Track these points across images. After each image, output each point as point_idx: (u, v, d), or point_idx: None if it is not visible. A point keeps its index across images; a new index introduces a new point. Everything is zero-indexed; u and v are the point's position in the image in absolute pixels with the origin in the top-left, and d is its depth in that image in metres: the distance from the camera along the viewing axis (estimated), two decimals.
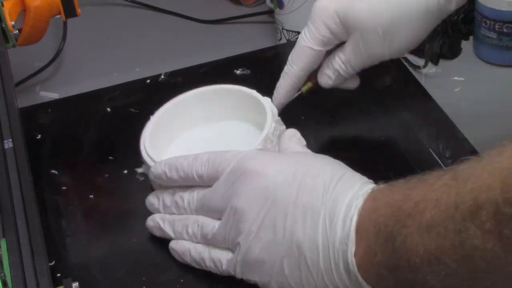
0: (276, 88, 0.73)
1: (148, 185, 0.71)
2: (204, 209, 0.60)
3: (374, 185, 0.55)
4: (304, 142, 0.66)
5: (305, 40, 0.70)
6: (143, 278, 0.62)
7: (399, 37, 0.68)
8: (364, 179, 0.57)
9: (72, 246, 0.66)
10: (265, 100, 0.70)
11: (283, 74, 0.72)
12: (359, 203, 0.53)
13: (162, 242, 0.65)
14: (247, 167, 0.57)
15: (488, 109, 0.84)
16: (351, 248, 0.52)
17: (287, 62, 0.72)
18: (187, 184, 0.62)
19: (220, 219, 0.59)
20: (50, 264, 0.59)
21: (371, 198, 0.53)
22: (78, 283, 0.51)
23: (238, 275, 0.58)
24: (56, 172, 0.73)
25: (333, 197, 0.54)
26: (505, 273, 0.45)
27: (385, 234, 0.50)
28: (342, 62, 0.71)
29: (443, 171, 0.50)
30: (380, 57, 0.70)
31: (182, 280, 0.62)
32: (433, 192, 0.48)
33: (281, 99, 0.73)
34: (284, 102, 0.73)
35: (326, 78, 0.72)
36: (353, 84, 0.74)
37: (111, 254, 0.65)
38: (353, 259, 0.52)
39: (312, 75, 0.73)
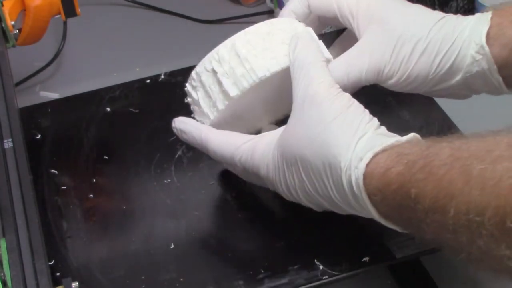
0: None
1: (147, 185, 0.71)
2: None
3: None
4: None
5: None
6: (143, 278, 0.62)
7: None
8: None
9: (72, 246, 0.66)
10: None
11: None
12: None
13: (162, 242, 0.65)
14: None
15: (488, 109, 0.84)
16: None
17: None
18: None
19: None
20: (49, 263, 0.59)
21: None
22: (78, 283, 0.51)
23: None
24: (56, 172, 0.73)
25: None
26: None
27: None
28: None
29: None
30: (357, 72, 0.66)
31: (182, 280, 0.62)
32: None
33: None
34: None
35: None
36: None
37: (111, 254, 0.65)
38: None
39: None
